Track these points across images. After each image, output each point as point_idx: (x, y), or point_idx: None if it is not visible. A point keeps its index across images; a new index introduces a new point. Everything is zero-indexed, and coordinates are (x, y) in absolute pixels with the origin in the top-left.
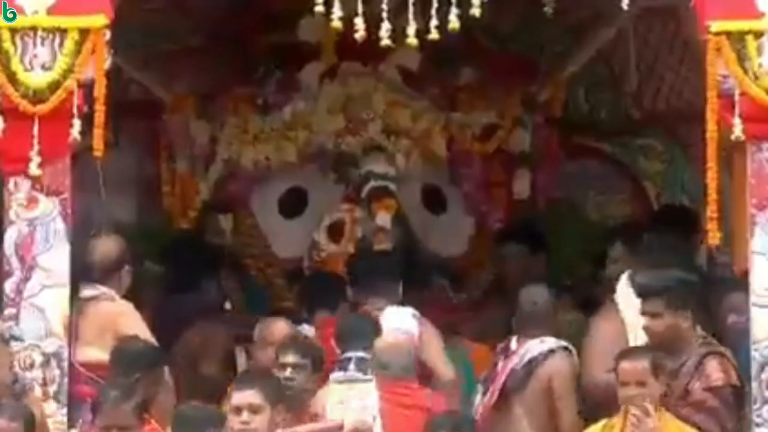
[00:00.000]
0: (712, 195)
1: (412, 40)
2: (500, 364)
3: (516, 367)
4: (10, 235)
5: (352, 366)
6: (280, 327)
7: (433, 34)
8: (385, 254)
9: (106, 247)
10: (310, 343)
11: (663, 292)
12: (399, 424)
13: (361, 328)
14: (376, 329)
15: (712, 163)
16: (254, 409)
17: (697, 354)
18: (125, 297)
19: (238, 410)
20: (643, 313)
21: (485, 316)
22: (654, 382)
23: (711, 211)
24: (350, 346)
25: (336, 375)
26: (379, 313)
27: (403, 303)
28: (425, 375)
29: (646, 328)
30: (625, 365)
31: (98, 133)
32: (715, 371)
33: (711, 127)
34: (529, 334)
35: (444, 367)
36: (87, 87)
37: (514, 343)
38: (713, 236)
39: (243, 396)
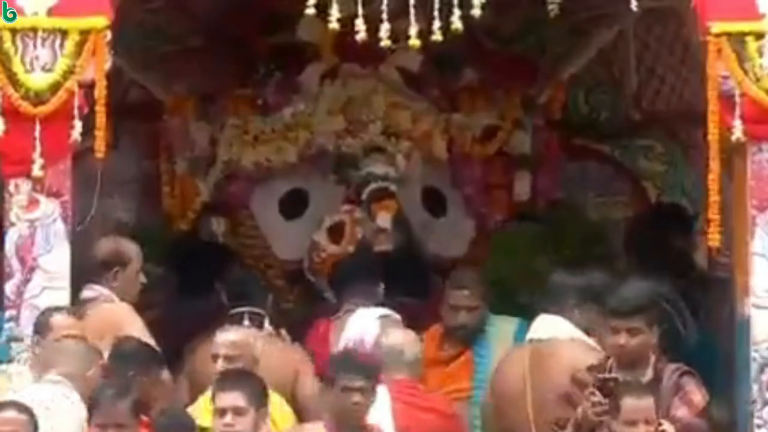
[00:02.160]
0: (713, 197)
1: (414, 41)
2: None
3: None
4: (11, 237)
5: None
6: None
7: (437, 36)
8: (366, 256)
9: (101, 247)
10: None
11: (651, 309)
12: None
13: None
14: None
15: (713, 165)
16: (238, 411)
17: (670, 371)
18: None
19: (222, 412)
20: (619, 330)
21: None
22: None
23: (712, 212)
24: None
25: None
26: (351, 315)
27: (384, 305)
28: None
29: (619, 347)
30: (635, 403)
31: (99, 134)
32: (695, 393)
33: (712, 128)
34: None
35: None
36: (87, 88)
37: None
38: (713, 238)
39: (227, 398)
